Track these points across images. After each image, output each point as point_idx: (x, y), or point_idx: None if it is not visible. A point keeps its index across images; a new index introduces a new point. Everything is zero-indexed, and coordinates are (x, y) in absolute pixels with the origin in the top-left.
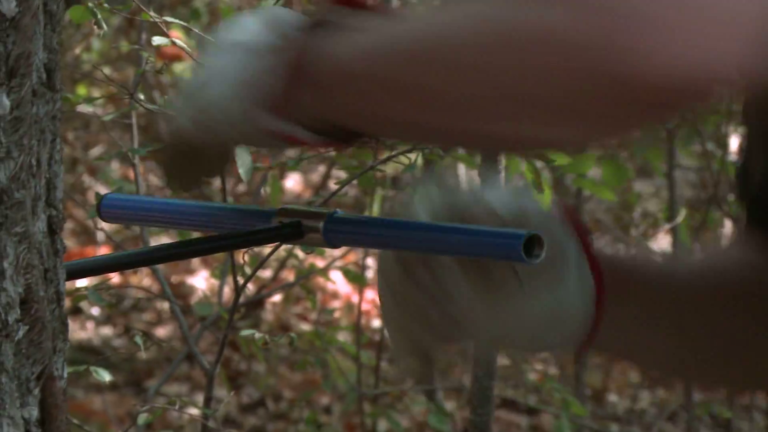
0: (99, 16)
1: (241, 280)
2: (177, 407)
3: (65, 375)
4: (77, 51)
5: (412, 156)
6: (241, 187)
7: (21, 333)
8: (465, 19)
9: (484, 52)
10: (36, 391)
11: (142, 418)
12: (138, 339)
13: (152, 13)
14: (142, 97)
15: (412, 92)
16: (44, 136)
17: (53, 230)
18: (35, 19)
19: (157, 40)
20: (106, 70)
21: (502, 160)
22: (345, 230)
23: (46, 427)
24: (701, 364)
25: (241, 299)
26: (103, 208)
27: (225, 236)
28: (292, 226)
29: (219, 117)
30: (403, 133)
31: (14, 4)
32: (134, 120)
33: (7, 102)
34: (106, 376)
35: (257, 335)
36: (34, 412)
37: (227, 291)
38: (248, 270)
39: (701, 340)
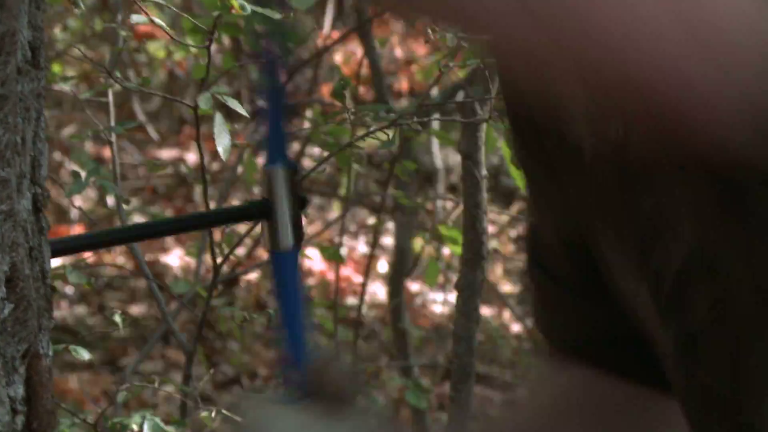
0: None
1: (219, 259)
2: (156, 385)
3: (50, 353)
4: (52, 30)
5: (390, 132)
6: (216, 165)
7: (6, 311)
8: None
9: None
10: (21, 370)
11: (121, 396)
12: (117, 317)
13: None
14: (118, 75)
15: None
16: (29, 113)
17: (38, 208)
18: None
19: (135, 18)
20: (80, 49)
21: (482, 137)
22: None
23: (31, 405)
24: None
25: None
26: None
27: (196, 216)
28: (260, 204)
29: None
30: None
31: None
32: (111, 98)
33: None
34: (85, 354)
35: (236, 313)
36: (20, 391)
37: (203, 269)
38: (225, 248)
39: None
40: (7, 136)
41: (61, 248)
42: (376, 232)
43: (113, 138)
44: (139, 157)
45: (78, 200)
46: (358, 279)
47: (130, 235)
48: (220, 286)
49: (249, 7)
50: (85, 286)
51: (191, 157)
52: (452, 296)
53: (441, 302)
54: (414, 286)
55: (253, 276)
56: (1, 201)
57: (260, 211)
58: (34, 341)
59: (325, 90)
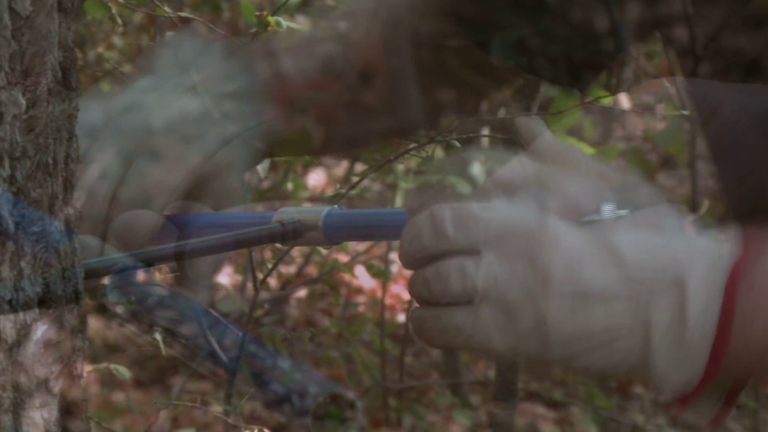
0: (114, 11)
1: (261, 276)
2: (198, 404)
3: (84, 374)
4: (100, 49)
5: (429, 148)
6: (264, 183)
7: (39, 332)
8: None
9: None
10: (55, 391)
11: (163, 416)
12: (158, 336)
13: (167, 9)
14: None
15: None
16: (60, 134)
17: (70, 229)
18: (49, 17)
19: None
20: (128, 68)
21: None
22: (343, 225)
23: (65, 427)
24: None
25: (266, 295)
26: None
27: (223, 238)
28: (291, 226)
29: None
30: None
31: (28, 3)
32: None
33: (22, 101)
34: (126, 374)
35: (276, 331)
36: (54, 413)
37: (250, 287)
38: (268, 266)
39: None
40: (38, 158)
41: (99, 269)
42: None
43: None
44: None
45: None
46: (408, 296)
47: (163, 256)
48: (270, 305)
49: (285, 24)
50: (126, 305)
51: None
52: None
53: None
54: None
55: (303, 294)
56: (33, 222)
57: (291, 232)
58: (68, 362)
59: None
